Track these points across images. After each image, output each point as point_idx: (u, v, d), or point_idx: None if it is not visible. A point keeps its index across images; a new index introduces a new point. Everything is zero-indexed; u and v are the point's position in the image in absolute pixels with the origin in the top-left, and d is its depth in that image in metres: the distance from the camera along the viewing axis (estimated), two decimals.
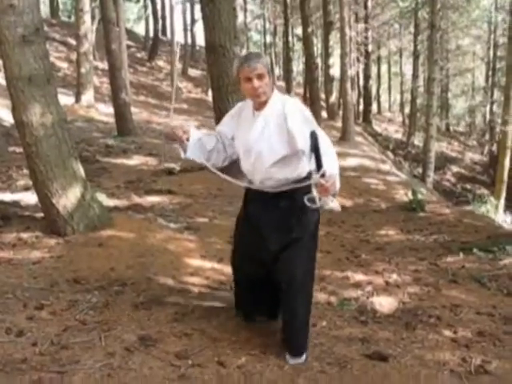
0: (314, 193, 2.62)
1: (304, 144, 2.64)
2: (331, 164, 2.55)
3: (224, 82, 7.79)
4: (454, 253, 5.18)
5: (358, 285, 4.37)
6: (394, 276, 4.60)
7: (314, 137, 2.53)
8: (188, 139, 2.93)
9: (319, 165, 2.49)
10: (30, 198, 6.23)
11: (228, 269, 4.42)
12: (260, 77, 2.71)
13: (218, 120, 8.04)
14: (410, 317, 3.79)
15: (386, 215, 7.20)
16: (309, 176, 2.83)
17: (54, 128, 4.58)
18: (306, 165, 2.80)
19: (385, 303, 4.04)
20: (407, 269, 4.79)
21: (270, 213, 2.92)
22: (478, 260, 4.96)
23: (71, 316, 3.36)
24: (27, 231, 4.92)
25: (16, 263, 4.19)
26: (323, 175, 2.46)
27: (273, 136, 2.78)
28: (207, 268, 4.50)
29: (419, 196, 7.92)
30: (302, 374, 2.81)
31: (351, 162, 11.62)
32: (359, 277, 4.55)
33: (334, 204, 2.58)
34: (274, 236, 2.91)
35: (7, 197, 6.42)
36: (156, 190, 7.44)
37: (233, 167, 3.15)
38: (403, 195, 8.69)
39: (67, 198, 4.68)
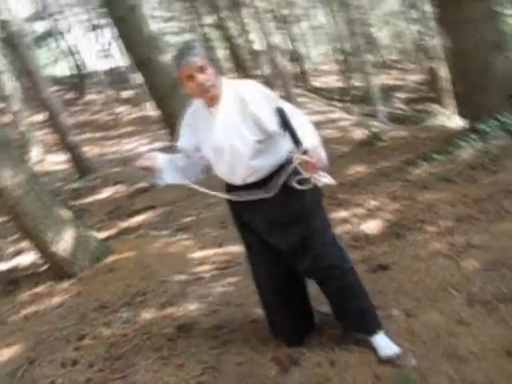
0: (303, 173, 2.30)
1: (276, 124, 2.33)
2: (310, 137, 2.30)
3: (163, 91, 8.08)
4: (419, 165, 5.62)
5: (345, 221, 4.78)
6: (374, 202, 5.04)
7: (280, 113, 2.26)
8: (158, 166, 2.63)
9: (297, 141, 2.22)
10: (24, 259, 6.49)
11: (230, 249, 4.84)
12: (202, 70, 2.39)
13: (171, 127, 8.35)
14: (397, 229, 4.24)
15: (350, 156, 7.62)
16: (289, 158, 2.51)
17: (30, 184, 4.87)
18: (285, 145, 2.50)
19: (372, 226, 4.47)
20: (383, 192, 5.23)
21: (263, 210, 2.63)
22: (440, 163, 5.42)
23: (111, 335, 3.70)
24: (38, 285, 5.21)
25: (42, 314, 4.50)
26: (305, 152, 2.19)
27: (239, 125, 2.47)
28: (210, 255, 4.86)
29: (374, 129, 8.37)
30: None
31: None
32: (343, 214, 4.96)
33: (327, 179, 2.33)
34: (278, 233, 2.68)
35: (3, 266, 6.66)
36: (137, 211, 7.75)
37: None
38: (360, 134, 9.14)
39: (65, 242, 4.99)
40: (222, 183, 2.77)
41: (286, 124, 2.24)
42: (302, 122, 2.37)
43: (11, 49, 14.34)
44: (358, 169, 6.67)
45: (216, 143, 2.55)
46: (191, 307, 3.79)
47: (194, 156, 2.73)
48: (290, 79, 16.28)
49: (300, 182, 2.36)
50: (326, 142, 2.53)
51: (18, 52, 13.16)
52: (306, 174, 2.29)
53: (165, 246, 5.39)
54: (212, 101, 2.52)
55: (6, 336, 4.14)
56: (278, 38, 24.60)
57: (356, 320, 2.74)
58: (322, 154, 2.25)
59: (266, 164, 2.54)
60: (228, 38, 19.02)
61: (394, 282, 3.34)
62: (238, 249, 4.71)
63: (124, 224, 7.13)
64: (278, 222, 2.63)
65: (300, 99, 17.33)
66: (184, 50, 2.44)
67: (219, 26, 19.42)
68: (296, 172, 2.35)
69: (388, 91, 28.28)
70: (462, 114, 6.29)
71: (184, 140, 2.74)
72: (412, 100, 27.82)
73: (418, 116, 15.99)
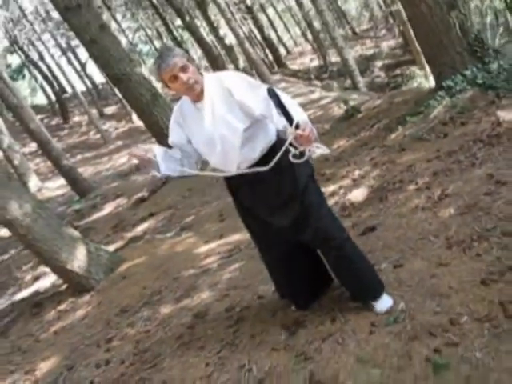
0: (298, 147, 2.41)
1: (262, 108, 2.50)
2: (300, 114, 2.38)
3: (143, 102, 8.37)
4: (394, 129, 5.95)
5: (332, 193, 5.11)
6: (357, 172, 5.36)
7: (272, 94, 2.38)
8: (155, 156, 2.68)
9: (290, 118, 2.33)
10: (44, 283, 6.83)
11: (230, 238, 5.17)
12: (183, 69, 2.52)
13: (157, 136, 8.67)
14: (380, 192, 4.57)
15: (331, 133, 7.94)
16: (280, 136, 2.74)
17: (36, 211, 5.20)
18: (273, 127, 2.72)
19: (358, 194, 4.80)
20: (364, 161, 5.56)
21: (262, 193, 2.79)
22: (413, 125, 5.73)
23: (135, 333, 4.04)
24: (61, 304, 5.55)
25: (70, 327, 4.84)
26: (298, 126, 2.30)
27: (226, 115, 2.59)
28: (214, 247, 5.19)
29: (351, 103, 8.68)
30: None
31: None
32: (330, 188, 5.29)
33: (321, 149, 2.46)
34: (279, 213, 2.81)
35: (25, 293, 7.00)
36: (140, 219, 8.08)
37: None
38: (340, 110, 9.45)
39: (78, 259, 5.32)
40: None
41: (279, 102, 2.35)
42: (288, 99, 2.43)
43: None
44: (340, 143, 6.99)
45: (206, 136, 2.66)
46: (203, 296, 4.12)
47: (187, 149, 2.82)
48: (264, 67, 16.53)
49: (295, 156, 2.44)
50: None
51: None
52: (300, 148, 2.39)
53: (172, 246, 5.72)
54: (197, 96, 2.64)
55: (41, 351, 4.48)
56: (246, 29, 24.86)
57: (358, 288, 2.94)
58: (312, 127, 2.36)
59: (257, 149, 2.68)
60: (198, 38, 19.22)
61: (381, 240, 3.67)
62: (238, 237, 5.08)
63: (130, 234, 7.46)
64: (276, 202, 2.77)
65: (280, 85, 17.64)
66: (164, 54, 2.55)
67: (188, 26, 19.62)
68: (290, 147, 2.46)
69: (365, 61, 28.54)
70: (433, 74, 6.59)
71: (175, 136, 2.83)
72: (390, 66, 28.05)
73: (396, 81, 16.27)
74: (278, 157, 2.55)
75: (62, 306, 5.44)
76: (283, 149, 2.50)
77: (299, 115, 2.37)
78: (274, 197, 2.78)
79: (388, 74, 26.50)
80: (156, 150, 2.70)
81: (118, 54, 8.25)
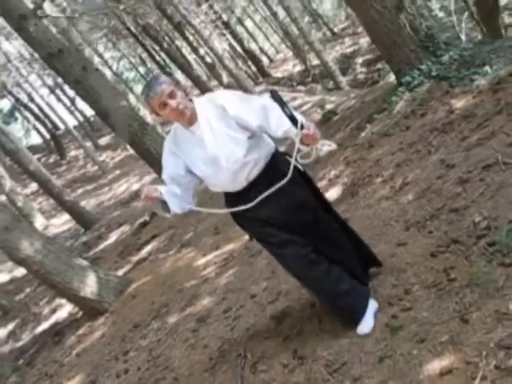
0: (305, 148, 2.45)
1: (258, 118, 2.56)
2: (299, 115, 2.44)
3: (132, 133, 8.82)
4: (363, 128, 6.41)
5: None
6: (332, 172, 5.84)
7: (275, 96, 2.39)
8: (161, 195, 2.65)
9: (294, 119, 2.36)
10: (61, 314, 7.31)
11: (225, 248, 5.63)
12: (171, 95, 2.54)
13: (150, 163, 9.13)
14: (352, 188, 5.05)
15: None
16: (275, 147, 2.81)
17: (46, 247, 5.68)
18: (267, 138, 2.77)
19: (333, 193, 5.28)
20: (339, 161, 6.02)
21: (282, 206, 2.77)
22: (380, 121, 6.19)
23: (148, 343, 4.52)
24: (79, 329, 6.02)
25: (90, 348, 5.31)
26: (302, 126, 2.33)
27: (226, 130, 2.61)
28: (211, 258, 5.65)
29: (328, 106, 9.17)
30: None
31: None
32: None
33: (327, 146, 2.51)
34: (296, 218, 2.82)
35: (45, 325, 7.47)
36: (144, 243, 8.56)
37: None
38: (318, 114, 9.93)
39: (89, 286, 5.79)
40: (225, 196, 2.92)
41: (282, 104, 2.36)
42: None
43: None
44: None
45: (209, 155, 2.63)
46: (204, 302, 4.59)
47: (183, 181, 2.76)
48: (247, 81, 17.04)
49: (303, 157, 2.48)
50: None
51: None
52: (307, 148, 2.43)
53: (174, 262, 6.19)
54: (190, 120, 2.65)
55: (66, 373, 4.97)
56: (225, 45, 25.39)
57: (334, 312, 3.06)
58: (315, 125, 2.39)
59: (261, 155, 2.69)
60: (180, 65, 19.78)
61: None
62: (231, 246, 5.57)
63: (136, 257, 7.94)
64: (293, 208, 2.78)
65: (264, 95, 18.11)
66: (151, 83, 2.58)
67: (167, 52, 20.21)
68: (297, 152, 2.48)
69: (346, 59, 29.10)
70: (393, 72, 7.06)
71: (170, 168, 2.77)
72: (370, 61, 28.56)
73: (372, 77, 16.74)
74: (293, 163, 2.58)
75: (81, 331, 5.90)
76: (295, 151, 2.49)
77: (299, 116, 2.42)
78: (290, 204, 2.77)
79: (369, 69, 27.00)
80: (162, 190, 2.68)
81: (103, 91, 8.71)
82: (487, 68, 5.38)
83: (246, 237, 5.37)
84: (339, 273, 2.93)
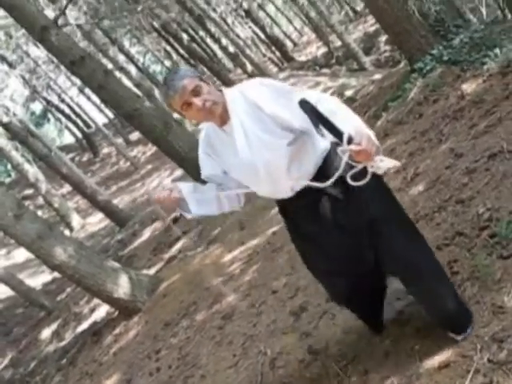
0: (357, 165, 1.91)
1: (300, 119, 2.05)
2: (350, 121, 1.91)
3: (157, 132, 9.00)
4: (379, 116, 6.49)
5: None
6: None
7: (305, 107, 1.95)
8: (180, 193, 2.25)
9: (337, 132, 1.86)
10: (99, 314, 7.61)
11: (250, 244, 5.80)
12: (196, 92, 2.07)
13: (176, 160, 9.32)
14: None
15: None
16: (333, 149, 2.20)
17: (78, 252, 5.95)
18: (319, 138, 2.17)
19: None
20: None
21: (326, 217, 2.30)
22: (395, 109, 6.26)
23: (178, 341, 4.74)
24: (116, 328, 6.29)
25: (125, 347, 5.58)
26: (350, 140, 1.81)
27: (262, 135, 2.12)
28: (237, 254, 5.84)
29: (346, 93, 9.22)
30: None
31: None
32: None
33: (386, 163, 1.93)
34: (351, 239, 2.33)
35: (85, 325, 7.80)
36: (175, 240, 8.80)
37: None
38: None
39: (122, 287, 6.05)
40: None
41: (317, 116, 1.92)
42: (331, 106, 1.98)
43: (21, 141, 15.68)
44: None
45: (245, 163, 2.18)
46: (230, 299, 4.78)
47: (224, 181, 2.37)
48: (270, 67, 17.11)
49: (354, 178, 1.97)
50: None
51: (28, 142, 14.52)
52: (360, 166, 1.90)
53: (201, 260, 6.40)
54: (222, 119, 2.18)
55: (105, 371, 5.25)
56: (248, 33, 25.40)
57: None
58: (370, 135, 1.84)
59: (308, 165, 2.21)
60: (200, 58, 19.95)
61: None
62: (256, 241, 5.74)
63: (167, 255, 8.19)
64: (340, 216, 2.29)
65: (289, 82, 18.15)
66: (169, 79, 2.11)
67: (187, 46, 20.41)
68: (350, 166, 1.93)
69: (370, 39, 28.78)
70: (405, 58, 7.09)
71: (207, 169, 2.37)
72: None
73: (393, 58, 16.59)
74: (336, 175, 2.06)
75: (117, 330, 6.18)
76: (339, 172, 2.02)
77: (349, 124, 1.88)
78: (339, 217, 2.30)
79: (393, 47, 26.62)
80: (182, 187, 2.29)
81: (125, 94, 8.93)
82: (497, 50, 5.37)
83: (271, 230, 5.60)
84: None
